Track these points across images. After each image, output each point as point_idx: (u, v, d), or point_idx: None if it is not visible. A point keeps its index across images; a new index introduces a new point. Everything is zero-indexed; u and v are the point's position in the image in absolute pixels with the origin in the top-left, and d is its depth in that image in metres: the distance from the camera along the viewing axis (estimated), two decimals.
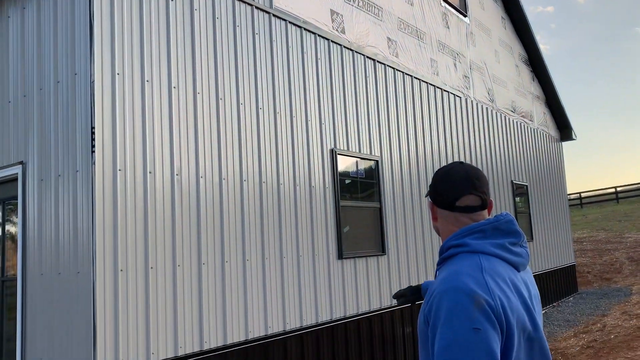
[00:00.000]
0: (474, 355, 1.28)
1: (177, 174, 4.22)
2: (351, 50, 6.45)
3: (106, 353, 3.59)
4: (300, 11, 5.76)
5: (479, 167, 9.00)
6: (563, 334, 8.30)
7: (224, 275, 4.47)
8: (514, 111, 10.97)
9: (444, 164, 7.88)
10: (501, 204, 9.61)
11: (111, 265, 3.70)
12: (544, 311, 10.41)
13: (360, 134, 6.36)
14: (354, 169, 6.21)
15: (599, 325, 8.71)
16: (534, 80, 12.55)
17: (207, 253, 4.36)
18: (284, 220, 5.14)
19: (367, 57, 6.71)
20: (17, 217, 4.36)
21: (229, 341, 4.43)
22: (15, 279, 4.33)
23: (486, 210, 1.61)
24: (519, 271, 1.52)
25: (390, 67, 7.11)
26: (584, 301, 11.47)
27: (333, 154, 5.85)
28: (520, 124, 11.21)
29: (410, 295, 2.30)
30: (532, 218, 10.83)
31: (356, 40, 6.54)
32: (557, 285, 11.61)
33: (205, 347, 4.23)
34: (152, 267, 3.94)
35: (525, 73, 12.13)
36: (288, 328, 5.00)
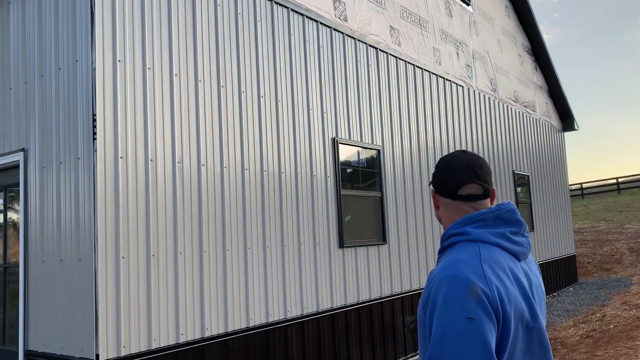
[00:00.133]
0: (467, 344, 1.29)
1: (178, 162, 4.22)
2: (353, 38, 6.41)
3: (108, 339, 3.61)
4: None
5: (481, 156, 8.98)
6: (562, 324, 8.33)
7: (225, 263, 4.48)
8: (516, 101, 10.93)
9: (445, 153, 7.87)
10: (502, 194, 9.60)
11: (113, 252, 3.71)
12: None
13: (362, 123, 6.34)
14: (356, 158, 6.20)
15: (598, 315, 8.75)
16: (536, 70, 12.49)
17: (208, 241, 4.37)
18: (285, 209, 5.15)
19: (370, 45, 6.67)
20: (18, 204, 4.37)
21: (230, 328, 4.45)
22: (18, 266, 4.34)
23: (488, 200, 1.61)
24: (519, 260, 1.51)
25: (392, 55, 7.08)
26: (584, 291, 11.51)
27: (335, 143, 5.84)
28: (523, 113, 11.17)
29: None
30: (533, 208, 10.83)
31: (358, 28, 6.50)
32: (557, 275, 11.64)
33: (207, 334, 4.25)
34: (153, 255, 3.95)
35: (528, 63, 12.07)
36: (289, 316, 5.02)
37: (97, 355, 3.55)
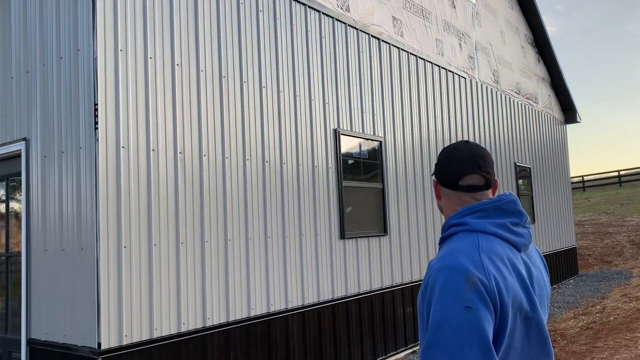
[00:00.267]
0: (464, 333, 1.29)
1: (180, 152, 4.22)
2: (356, 29, 6.39)
3: (110, 328, 3.62)
4: None
5: (484, 147, 8.96)
6: (563, 316, 8.36)
7: (226, 253, 4.50)
8: (518, 93, 10.89)
9: (447, 145, 7.86)
10: (504, 186, 9.60)
11: (115, 241, 3.72)
12: None
13: (364, 114, 6.33)
14: (357, 149, 6.19)
15: (598, 307, 8.77)
16: (539, 62, 12.44)
17: (210, 231, 4.38)
18: (287, 200, 5.15)
19: (372, 36, 6.64)
20: (20, 194, 4.37)
21: (232, 318, 4.47)
22: (20, 256, 4.36)
23: (490, 190, 1.60)
24: (520, 251, 1.51)
25: (395, 46, 7.05)
26: (584, 283, 11.53)
27: (336, 134, 5.83)
28: (525, 105, 11.14)
29: None
30: (534, 200, 10.83)
31: (361, 18, 6.47)
32: (557, 267, 11.66)
33: (209, 324, 4.27)
34: (155, 245, 3.96)
35: (531, 54, 12.02)
36: (290, 306, 5.04)
37: (99, 344, 3.57)
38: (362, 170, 6.25)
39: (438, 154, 1.74)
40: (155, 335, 3.89)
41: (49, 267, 4.02)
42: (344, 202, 5.82)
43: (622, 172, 31.53)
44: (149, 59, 4.09)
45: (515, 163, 10.17)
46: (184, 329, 4.08)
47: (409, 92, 7.22)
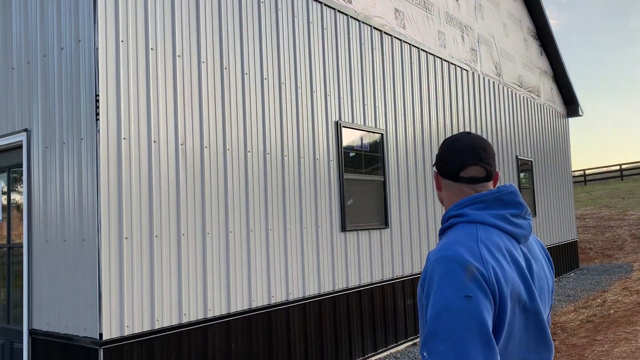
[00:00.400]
0: (464, 322, 1.29)
1: (181, 144, 4.22)
2: (358, 20, 6.36)
3: (111, 319, 3.64)
4: None
5: (485, 138, 8.95)
6: (563, 309, 8.38)
7: (227, 245, 4.50)
8: (521, 86, 10.86)
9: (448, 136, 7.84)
10: (505, 179, 9.59)
11: (116, 233, 3.73)
12: None
13: (366, 106, 6.32)
14: (359, 142, 6.19)
15: (599, 300, 8.79)
16: (542, 55, 12.39)
17: (211, 223, 4.38)
18: (288, 192, 5.15)
19: (374, 28, 6.62)
20: (22, 185, 4.38)
21: (233, 309, 4.48)
22: (22, 247, 4.37)
23: (491, 182, 1.60)
24: (519, 243, 1.51)
25: (397, 38, 7.02)
26: (585, 277, 11.55)
27: (338, 127, 5.82)
28: (527, 99, 11.11)
29: None
30: (535, 194, 10.82)
31: (363, 10, 6.44)
32: (558, 260, 11.67)
33: (210, 315, 4.28)
34: (156, 236, 3.97)
35: (534, 47, 11.97)
36: (291, 298, 5.06)
37: (101, 335, 3.58)
38: (363, 163, 6.24)
39: (439, 147, 1.73)
40: (157, 326, 3.90)
41: (51, 258, 4.03)
42: (345, 194, 5.82)
43: (624, 166, 31.48)
44: (150, 50, 4.07)
45: (517, 156, 10.15)
46: (185, 320, 4.09)
47: (410, 84, 7.20)
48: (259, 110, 4.93)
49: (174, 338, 4.01)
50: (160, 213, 4.02)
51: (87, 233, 3.75)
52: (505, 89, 10.08)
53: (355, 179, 6.02)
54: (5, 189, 4.73)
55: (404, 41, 7.15)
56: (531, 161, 10.81)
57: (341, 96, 5.95)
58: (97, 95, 3.72)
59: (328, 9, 5.94)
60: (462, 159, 1.57)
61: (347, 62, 6.12)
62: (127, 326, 3.72)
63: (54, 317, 3.96)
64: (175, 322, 4.03)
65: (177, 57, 4.27)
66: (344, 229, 5.74)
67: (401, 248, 6.65)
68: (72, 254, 3.85)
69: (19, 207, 4.56)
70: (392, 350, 6.33)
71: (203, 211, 4.33)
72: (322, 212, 5.52)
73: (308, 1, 5.68)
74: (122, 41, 3.89)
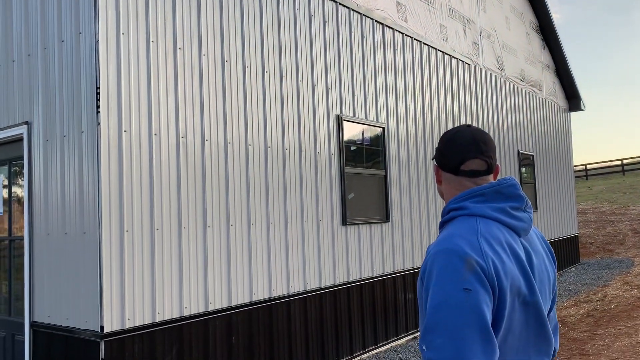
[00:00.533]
0: (463, 315, 1.29)
1: (182, 137, 4.21)
2: (359, 13, 6.33)
3: (112, 312, 3.64)
4: None
5: (486, 131, 8.93)
6: (564, 303, 8.38)
7: (229, 238, 4.50)
8: (522, 80, 10.82)
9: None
10: (507, 173, 9.57)
11: (117, 225, 3.72)
12: None
13: (367, 100, 6.30)
14: (360, 135, 6.17)
15: (599, 295, 8.79)
16: (544, 49, 12.35)
17: (212, 216, 4.38)
18: (289, 186, 5.15)
19: (376, 21, 6.59)
20: (23, 178, 4.38)
21: (234, 303, 4.49)
22: (23, 239, 4.37)
23: (491, 175, 1.59)
24: (520, 236, 1.50)
25: (398, 32, 6.99)
26: (585, 271, 11.55)
27: (339, 120, 5.81)
28: (529, 93, 11.08)
29: None
30: (537, 188, 10.81)
31: (365, 3, 6.41)
32: (559, 255, 11.67)
33: (211, 308, 4.28)
34: (157, 229, 3.97)
35: (536, 41, 11.92)
36: (292, 291, 5.06)
37: (102, 327, 3.59)
38: (364, 157, 6.23)
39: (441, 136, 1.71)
40: (158, 319, 3.90)
41: (52, 251, 4.03)
42: (346, 188, 5.82)
43: (625, 161, 31.43)
44: (151, 43, 4.06)
45: (518, 151, 10.13)
46: (186, 313, 4.10)
47: (412, 78, 7.17)
48: (260, 103, 4.92)
49: (175, 331, 4.01)
50: (161, 206, 4.01)
51: (88, 226, 3.74)
52: (507, 83, 10.05)
53: (356, 172, 6.01)
54: (6, 182, 4.73)
55: (405, 34, 7.12)
56: (533, 155, 10.79)
57: (342, 90, 5.94)
58: (97, 88, 3.71)
59: (330, 1, 5.91)
60: (462, 152, 1.56)
61: (349, 56, 6.09)
62: (128, 319, 3.72)
63: (55, 310, 3.97)
64: (176, 315, 4.03)
65: (178, 50, 4.26)
66: (345, 222, 5.74)
67: (402, 242, 6.65)
68: (73, 247, 3.85)
69: (19, 200, 4.56)
70: (393, 344, 6.34)
71: (204, 204, 4.33)
72: (323, 206, 5.51)
73: None
74: (122, 34, 3.88)
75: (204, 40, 4.48)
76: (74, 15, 3.95)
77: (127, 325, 3.71)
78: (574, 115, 13.79)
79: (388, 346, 6.26)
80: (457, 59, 8.34)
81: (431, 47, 7.68)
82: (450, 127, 7.94)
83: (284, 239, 5.04)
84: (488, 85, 9.29)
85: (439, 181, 1.66)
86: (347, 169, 5.85)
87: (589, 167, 32.85)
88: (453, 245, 1.39)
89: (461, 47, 8.53)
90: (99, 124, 3.69)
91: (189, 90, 4.31)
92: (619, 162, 31.64)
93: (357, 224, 5.93)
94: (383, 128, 6.47)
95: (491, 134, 9.15)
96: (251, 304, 4.64)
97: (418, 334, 6.65)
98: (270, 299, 4.83)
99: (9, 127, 4.46)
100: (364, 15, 6.40)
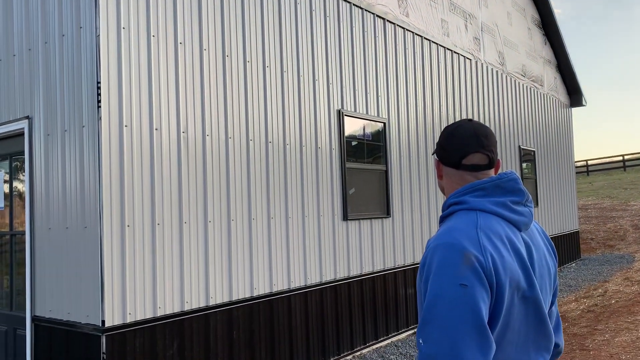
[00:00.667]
0: (458, 310, 1.29)
1: (183, 132, 4.20)
2: (361, 8, 6.31)
3: (114, 306, 3.65)
4: None
5: (487, 125, 8.92)
6: (564, 299, 8.39)
7: (229, 233, 4.50)
8: (524, 75, 10.80)
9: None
10: (508, 169, 9.57)
11: (118, 220, 3.73)
12: None
13: (368, 95, 6.29)
14: (361, 131, 6.17)
15: (600, 290, 8.80)
16: (546, 44, 12.31)
17: (213, 211, 4.38)
18: (290, 181, 5.15)
19: (377, 15, 6.57)
20: (24, 173, 4.38)
21: (235, 297, 4.49)
22: (24, 234, 4.37)
23: (493, 170, 1.58)
24: (520, 230, 1.49)
25: (400, 26, 6.98)
26: (586, 267, 11.55)
27: (340, 115, 5.80)
28: (530, 88, 11.06)
29: None
30: (538, 184, 10.80)
31: None
32: (560, 251, 11.67)
33: (212, 303, 4.29)
34: (158, 224, 3.97)
35: (538, 36, 11.89)
36: (293, 286, 5.07)
37: (103, 322, 3.59)
38: (365, 152, 6.23)
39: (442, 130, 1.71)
40: (159, 313, 3.91)
41: (53, 245, 4.04)
42: (347, 183, 5.81)
43: (626, 157, 31.38)
44: (151, 37, 4.05)
45: (519, 146, 10.12)
46: (187, 307, 4.11)
47: (413, 73, 7.16)
48: (261, 98, 4.91)
49: (176, 325, 4.02)
50: (162, 201, 4.01)
51: (89, 220, 3.75)
52: (508, 78, 10.03)
53: (357, 168, 6.00)
54: (7, 177, 4.73)
55: (407, 29, 7.11)
56: (534, 151, 10.78)
57: (344, 85, 5.93)
58: (98, 82, 3.71)
59: None
60: (464, 146, 1.56)
61: (350, 51, 6.08)
62: (130, 313, 3.73)
63: (56, 304, 3.98)
64: (177, 309, 4.04)
65: (179, 45, 4.25)
66: (345, 218, 5.74)
67: (402, 237, 6.66)
68: (75, 241, 3.86)
69: (21, 195, 4.56)
70: (394, 339, 6.35)
71: (205, 199, 4.33)
72: (324, 201, 5.52)
73: None
74: (123, 28, 3.87)
75: (205, 35, 4.47)
76: (74, 10, 3.94)
77: (128, 320, 3.72)
78: (575, 110, 13.77)
79: (389, 341, 6.27)
80: (458, 54, 8.32)
81: (432, 42, 7.66)
82: (451, 122, 7.91)
83: (285, 234, 5.04)
84: (489, 80, 9.28)
85: (439, 176, 1.66)
86: (348, 164, 5.85)
87: (590, 162, 32.83)
88: (452, 239, 1.38)
89: (462, 42, 8.51)
90: (99, 118, 3.69)
91: (190, 85, 4.30)
92: (620, 158, 31.60)
93: (358, 219, 5.93)
94: (384, 123, 6.47)
95: (492, 129, 9.14)
96: (252, 298, 4.64)
97: None
98: (271, 294, 4.84)
99: (10, 121, 4.45)
100: (366, 10, 6.38)
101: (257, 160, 4.82)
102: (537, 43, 11.78)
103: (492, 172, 1.58)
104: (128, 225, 3.78)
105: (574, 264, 12.14)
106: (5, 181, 4.74)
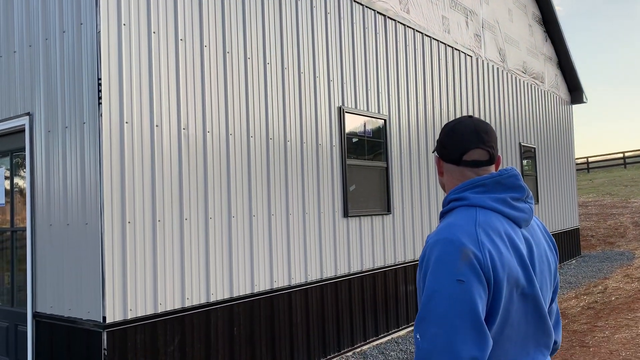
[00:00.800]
0: (455, 306, 1.29)
1: (184, 128, 4.20)
2: (361, 4, 6.30)
3: (115, 303, 3.66)
4: None
5: (487, 122, 8.91)
6: (564, 295, 8.40)
7: (230, 229, 4.51)
8: (525, 72, 10.79)
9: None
10: (508, 166, 9.56)
11: (119, 217, 3.73)
12: None
13: (369, 92, 6.28)
14: (362, 127, 6.16)
15: (600, 287, 8.80)
16: (546, 41, 12.30)
17: (214, 208, 4.38)
18: (291, 178, 5.15)
19: (378, 12, 6.56)
20: (25, 169, 4.38)
21: (235, 294, 4.50)
22: (25, 230, 4.38)
23: (493, 166, 1.58)
24: (520, 227, 1.49)
25: (400, 23, 6.97)
26: (586, 264, 11.56)
27: (341, 112, 5.80)
28: (531, 85, 11.04)
29: None
30: (538, 181, 10.80)
31: None
32: (560, 247, 11.68)
33: (212, 299, 4.30)
34: (159, 220, 3.97)
35: (539, 33, 11.87)
36: (293, 283, 5.08)
37: (104, 318, 3.60)
38: (366, 149, 6.23)
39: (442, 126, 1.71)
40: (160, 310, 3.92)
41: (54, 241, 4.04)
42: (348, 180, 5.82)
43: (627, 154, 31.37)
44: (152, 34, 4.05)
45: (520, 143, 10.12)
46: (187, 304, 4.12)
47: (414, 70, 7.15)
48: (261, 95, 4.91)
49: (177, 322, 4.03)
50: (163, 197, 4.02)
51: (90, 217, 3.75)
52: (509, 75, 10.02)
53: (358, 164, 6.01)
54: (8, 173, 4.73)
55: (407, 26, 7.10)
56: (534, 148, 10.78)
57: (344, 81, 5.92)
58: (99, 79, 3.71)
59: None
60: (464, 142, 1.55)
61: (351, 47, 6.07)
62: (131, 309, 3.74)
63: (57, 300, 3.99)
64: (178, 306, 4.05)
65: (180, 41, 4.25)
66: (346, 214, 5.75)
67: (403, 234, 6.66)
68: (76, 237, 3.86)
69: (22, 191, 4.56)
70: (394, 335, 6.36)
71: (205, 196, 4.33)
72: (324, 198, 5.52)
73: None
74: (124, 24, 3.86)
75: (206, 32, 4.46)
76: (75, 6, 3.94)
77: (129, 316, 3.73)
78: (576, 107, 13.74)
79: (389, 337, 6.29)
80: (459, 50, 8.31)
81: (433, 38, 7.65)
82: (452, 119, 7.91)
83: (286, 231, 5.05)
84: (490, 77, 9.27)
85: (440, 172, 1.66)
86: (349, 161, 5.85)
87: (590, 159, 32.81)
88: (451, 235, 1.39)
89: (463, 39, 8.50)
90: (100, 115, 3.69)
91: (191, 81, 4.30)
92: (621, 155, 31.58)
93: (359, 215, 5.94)
94: (385, 120, 6.46)
95: (493, 126, 9.12)
96: (252, 295, 4.65)
97: None
98: (272, 290, 4.85)
99: (11, 118, 4.46)
100: (366, 7, 6.37)
101: (257, 156, 4.82)
102: (538, 40, 11.76)
103: (492, 168, 1.58)
104: (129, 222, 3.78)
105: (574, 261, 12.15)
106: (6, 178, 4.75)
